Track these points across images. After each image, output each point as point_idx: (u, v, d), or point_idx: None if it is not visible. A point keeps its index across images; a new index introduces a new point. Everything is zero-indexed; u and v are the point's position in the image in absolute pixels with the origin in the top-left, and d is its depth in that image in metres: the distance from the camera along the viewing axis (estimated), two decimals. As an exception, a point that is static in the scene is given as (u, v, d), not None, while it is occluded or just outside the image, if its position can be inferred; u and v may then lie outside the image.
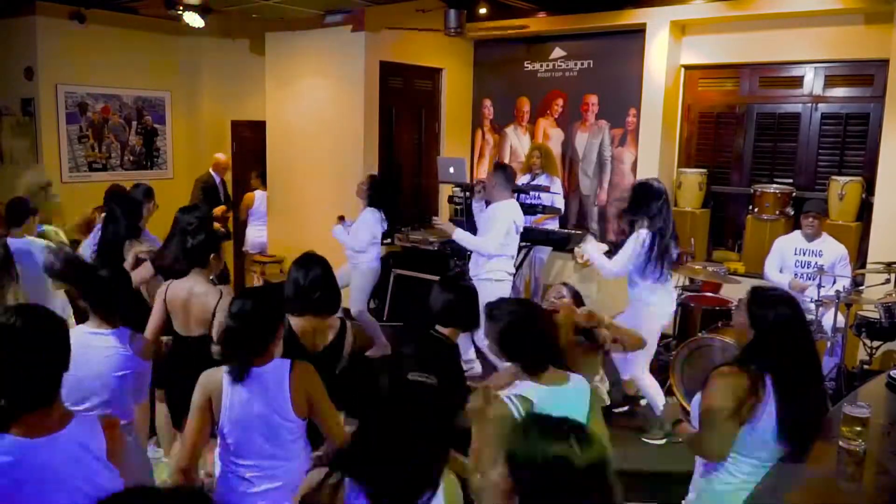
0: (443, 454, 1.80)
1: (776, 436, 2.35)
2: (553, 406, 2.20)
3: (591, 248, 4.65)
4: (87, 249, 4.63)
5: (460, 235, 5.16)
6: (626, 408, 4.85)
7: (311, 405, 2.45)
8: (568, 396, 2.35)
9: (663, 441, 4.44)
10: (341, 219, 5.89)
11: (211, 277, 3.50)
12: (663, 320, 4.55)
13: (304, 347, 2.99)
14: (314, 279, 3.00)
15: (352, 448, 1.77)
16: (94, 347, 2.71)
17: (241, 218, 7.94)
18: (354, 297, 5.82)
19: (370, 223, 5.69)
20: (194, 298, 3.33)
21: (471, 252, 5.31)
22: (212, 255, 3.44)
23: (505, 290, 5.03)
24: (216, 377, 2.42)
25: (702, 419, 2.45)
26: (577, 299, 3.30)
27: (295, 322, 2.97)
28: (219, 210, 7.42)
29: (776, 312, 2.45)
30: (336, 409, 2.55)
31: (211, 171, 7.61)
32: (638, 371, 4.44)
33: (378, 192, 5.74)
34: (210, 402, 2.42)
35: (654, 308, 4.42)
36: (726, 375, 2.42)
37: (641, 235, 4.32)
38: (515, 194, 5.52)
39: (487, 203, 5.28)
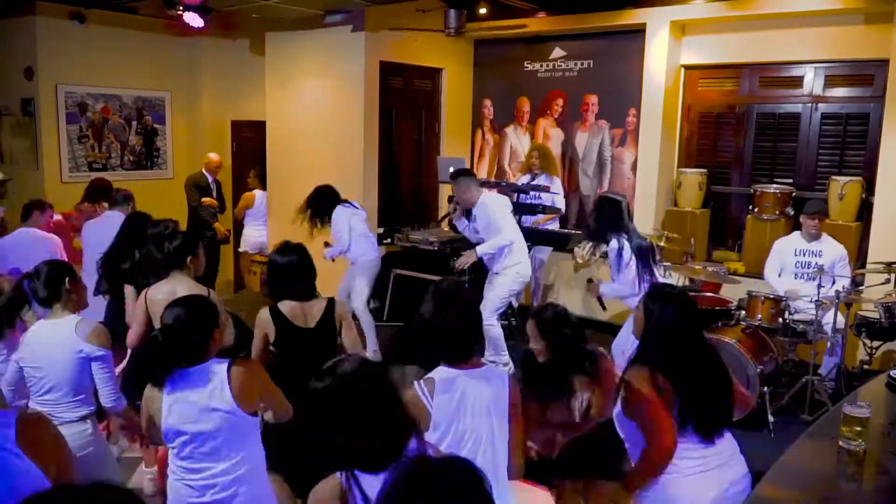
0: (395, 429, 1.85)
1: (681, 428, 2.46)
2: (454, 386, 2.34)
3: (607, 290, 4.60)
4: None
5: (482, 249, 5.23)
6: None
7: (258, 396, 2.52)
8: (472, 379, 2.37)
9: None
10: (326, 245, 5.90)
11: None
12: None
13: (297, 328, 3.24)
14: (288, 265, 3.27)
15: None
16: (51, 337, 2.89)
17: (238, 217, 7.92)
18: (356, 292, 5.82)
19: (339, 220, 5.67)
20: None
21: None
22: (189, 258, 3.48)
23: (523, 278, 5.39)
24: (154, 401, 2.45)
25: (646, 423, 2.50)
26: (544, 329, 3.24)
27: (283, 306, 3.23)
28: (207, 200, 7.42)
29: (662, 310, 2.58)
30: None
31: (203, 170, 7.61)
32: None
33: (320, 200, 5.70)
34: (152, 422, 2.48)
35: None
36: (642, 378, 2.51)
37: (612, 246, 4.43)
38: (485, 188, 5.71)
39: (468, 213, 5.36)
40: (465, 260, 5.37)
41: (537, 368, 3.16)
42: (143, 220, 4.25)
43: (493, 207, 5.24)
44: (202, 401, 2.39)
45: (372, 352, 5.76)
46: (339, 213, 5.66)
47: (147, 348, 2.50)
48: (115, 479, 3.04)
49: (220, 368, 2.43)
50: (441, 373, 2.39)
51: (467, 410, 2.35)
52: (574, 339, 3.18)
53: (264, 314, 3.26)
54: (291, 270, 3.26)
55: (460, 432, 2.34)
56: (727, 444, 2.54)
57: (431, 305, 2.43)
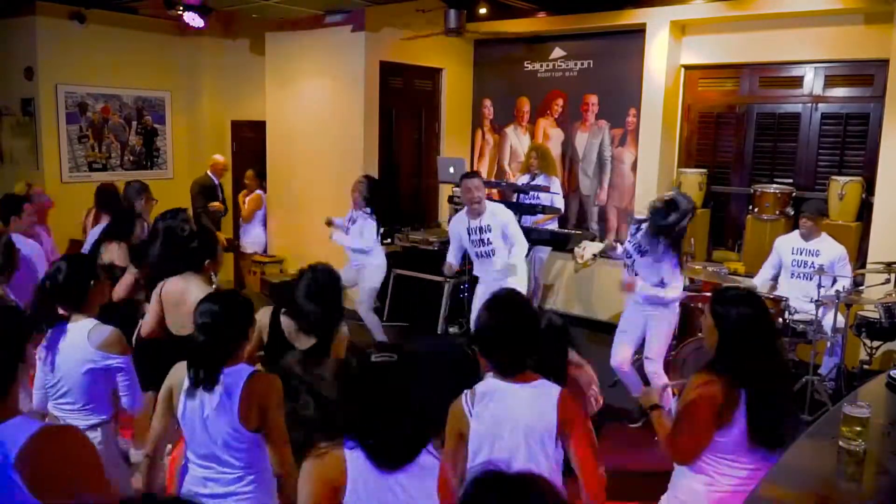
0: (419, 421, 1.91)
1: (748, 440, 2.36)
2: (502, 400, 2.26)
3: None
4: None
5: (508, 261, 5.06)
6: (639, 423, 4.75)
7: (263, 418, 2.37)
8: (523, 395, 2.27)
9: (640, 423, 4.53)
10: (330, 223, 5.89)
11: (214, 280, 3.52)
12: None
13: (289, 345, 3.07)
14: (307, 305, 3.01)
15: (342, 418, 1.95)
16: (64, 343, 2.79)
17: (246, 220, 7.89)
18: (364, 297, 5.83)
19: (372, 224, 5.71)
20: (190, 298, 3.27)
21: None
22: (207, 262, 3.46)
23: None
24: (181, 372, 2.44)
25: (677, 421, 2.45)
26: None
27: (284, 319, 3.06)
28: (214, 205, 7.42)
29: (738, 311, 2.44)
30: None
31: (209, 172, 7.60)
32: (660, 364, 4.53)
33: (375, 193, 5.76)
34: (171, 393, 2.45)
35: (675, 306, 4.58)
36: (703, 384, 2.40)
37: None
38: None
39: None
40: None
41: None
42: (128, 217, 4.25)
43: (507, 215, 5.16)
44: (210, 404, 2.35)
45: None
46: (373, 217, 5.73)
47: (186, 351, 2.42)
48: (125, 488, 3.02)
49: (240, 376, 2.36)
50: (487, 383, 2.32)
51: (507, 426, 2.25)
52: (563, 352, 2.95)
53: (264, 317, 3.14)
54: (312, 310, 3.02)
55: (497, 448, 2.25)
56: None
57: (486, 313, 2.35)
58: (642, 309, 4.54)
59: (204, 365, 2.35)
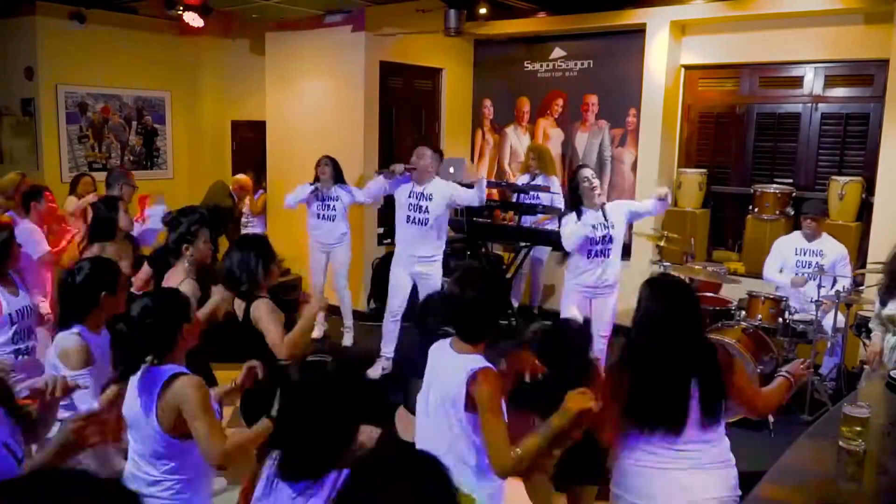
0: (345, 434, 1.86)
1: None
2: (439, 360, 2.43)
3: None
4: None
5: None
6: None
7: (185, 425, 2.27)
8: (451, 361, 2.37)
9: None
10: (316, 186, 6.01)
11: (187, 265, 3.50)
12: None
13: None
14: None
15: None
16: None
17: (259, 213, 7.84)
18: (344, 273, 6.12)
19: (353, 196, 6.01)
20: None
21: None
22: (184, 246, 3.47)
23: None
24: None
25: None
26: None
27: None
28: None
29: (651, 300, 2.55)
30: None
31: (232, 190, 7.36)
32: None
33: (340, 170, 6.03)
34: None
35: None
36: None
37: None
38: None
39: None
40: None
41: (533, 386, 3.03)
42: (112, 204, 4.26)
43: (453, 188, 5.28)
44: (136, 400, 2.32)
45: (347, 331, 6.19)
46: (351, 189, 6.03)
47: (114, 341, 2.41)
48: (118, 469, 3.02)
49: (161, 377, 2.30)
50: (442, 342, 2.45)
51: (435, 383, 2.42)
52: (585, 354, 3.01)
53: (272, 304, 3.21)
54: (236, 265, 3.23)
55: (427, 400, 2.43)
56: (703, 449, 2.41)
57: (453, 285, 2.43)
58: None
59: (125, 358, 2.34)
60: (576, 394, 2.24)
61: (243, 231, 7.93)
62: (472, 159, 8.20)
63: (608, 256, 4.73)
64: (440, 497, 1.34)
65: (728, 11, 6.10)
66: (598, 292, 4.77)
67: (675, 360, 2.41)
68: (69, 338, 2.78)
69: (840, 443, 2.25)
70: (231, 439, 2.30)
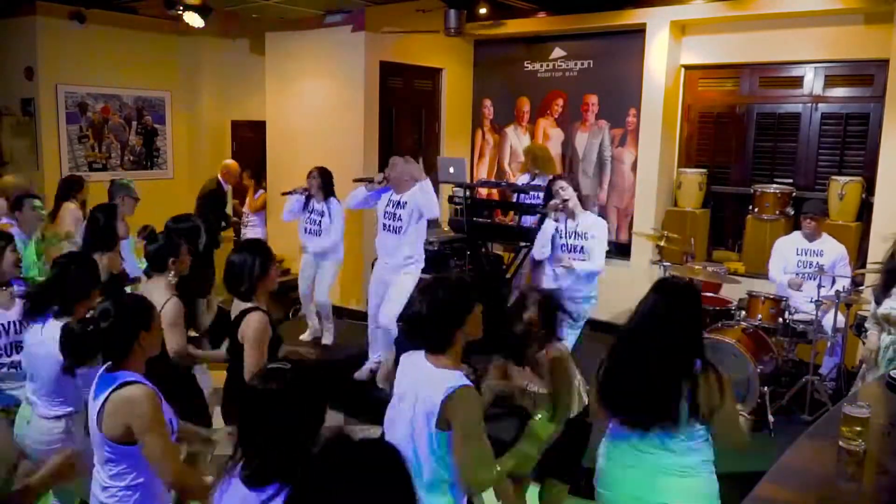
0: (306, 440, 1.79)
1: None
2: (406, 371, 2.39)
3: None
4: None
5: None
6: None
7: (132, 434, 2.22)
8: (428, 372, 2.30)
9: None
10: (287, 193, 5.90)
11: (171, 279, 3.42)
12: None
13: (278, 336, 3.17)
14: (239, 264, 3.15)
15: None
16: (42, 335, 2.88)
17: (257, 210, 7.85)
18: (329, 284, 5.94)
19: (341, 213, 5.76)
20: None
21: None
22: (171, 260, 3.38)
23: None
24: None
25: None
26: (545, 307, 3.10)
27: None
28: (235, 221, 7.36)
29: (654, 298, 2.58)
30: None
31: (219, 177, 7.35)
32: None
33: (331, 182, 5.79)
34: None
35: None
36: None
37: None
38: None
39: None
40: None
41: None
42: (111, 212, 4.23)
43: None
44: (92, 413, 2.27)
45: (331, 343, 6.04)
46: (340, 206, 5.74)
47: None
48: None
49: (109, 384, 2.24)
50: (413, 353, 2.40)
51: (408, 394, 2.34)
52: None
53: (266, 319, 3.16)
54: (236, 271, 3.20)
55: (398, 409, 2.37)
56: (662, 451, 2.44)
57: (419, 295, 2.40)
58: None
59: (73, 354, 2.33)
60: (540, 422, 2.30)
61: (244, 230, 7.95)
62: (472, 159, 8.20)
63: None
64: (398, 488, 1.35)
65: (728, 11, 6.10)
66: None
67: (672, 359, 2.41)
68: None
69: (840, 443, 2.25)
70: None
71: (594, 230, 4.73)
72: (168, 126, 8.39)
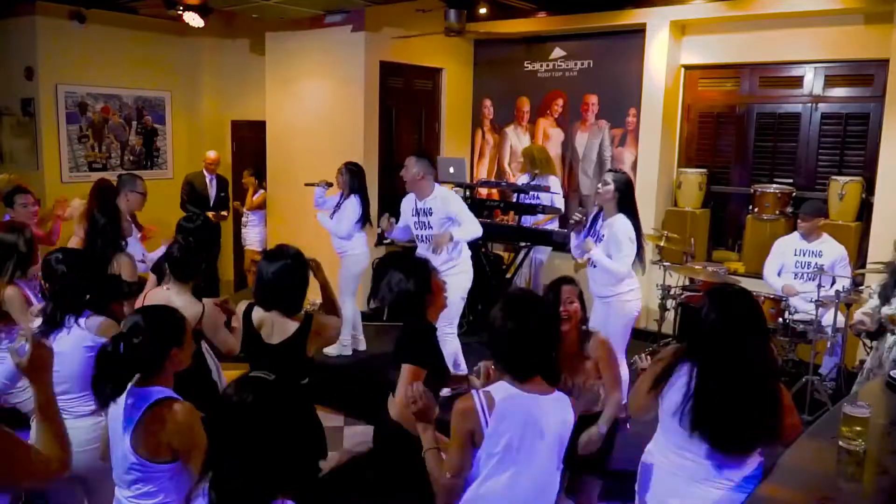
0: (290, 456, 1.68)
1: (687, 422, 2.35)
2: (521, 410, 2.16)
3: (602, 259, 4.44)
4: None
5: (459, 234, 4.90)
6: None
7: (171, 451, 2.16)
8: (542, 405, 2.19)
9: None
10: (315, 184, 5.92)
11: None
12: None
13: (259, 338, 3.06)
14: (278, 273, 3.00)
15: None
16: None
17: (249, 208, 7.85)
18: (344, 286, 5.81)
19: (356, 210, 5.74)
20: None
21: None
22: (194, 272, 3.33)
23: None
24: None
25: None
26: (581, 299, 3.20)
27: (256, 311, 3.07)
28: (211, 216, 7.35)
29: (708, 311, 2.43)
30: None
31: (203, 170, 7.50)
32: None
33: (359, 179, 5.80)
34: None
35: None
36: (671, 347, 2.59)
37: (623, 226, 4.32)
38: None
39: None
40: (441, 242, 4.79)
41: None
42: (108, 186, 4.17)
43: (454, 199, 4.97)
44: (118, 429, 2.19)
45: (342, 346, 5.87)
46: (357, 203, 5.74)
47: (98, 360, 2.20)
48: None
49: (144, 402, 2.17)
50: (503, 388, 2.20)
51: (525, 443, 2.15)
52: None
53: (240, 309, 3.15)
54: (282, 281, 3.02)
55: (520, 458, 2.17)
56: (728, 473, 2.38)
57: (501, 314, 2.22)
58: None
59: (111, 379, 2.15)
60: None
61: (244, 229, 7.95)
62: (472, 159, 8.20)
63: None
64: None
65: (728, 11, 6.10)
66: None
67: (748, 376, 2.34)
68: (97, 317, 2.80)
69: (840, 443, 2.25)
70: None
71: (611, 227, 4.48)
72: (168, 126, 8.39)
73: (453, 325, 4.94)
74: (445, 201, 4.89)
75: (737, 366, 2.32)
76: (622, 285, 4.40)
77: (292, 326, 3.03)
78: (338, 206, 5.86)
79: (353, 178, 5.79)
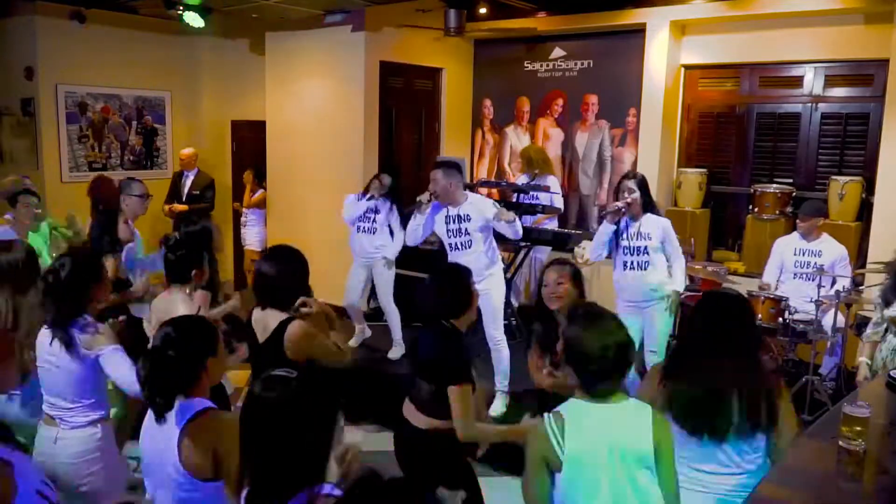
0: (317, 446, 1.70)
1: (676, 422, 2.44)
2: (596, 421, 2.14)
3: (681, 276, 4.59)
4: None
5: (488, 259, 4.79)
6: None
7: (215, 466, 2.10)
8: (618, 414, 2.16)
9: None
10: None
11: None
12: None
13: (254, 337, 3.03)
14: (274, 272, 2.99)
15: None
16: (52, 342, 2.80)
17: (247, 207, 7.85)
18: (387, 290, 5.80)
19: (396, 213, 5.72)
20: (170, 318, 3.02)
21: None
22: (193, 272, 3.25)
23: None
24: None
25: None
26: (577, 280, 3.19)
27: (255, 311, 3.04)
28: (176, 208, 7.35)
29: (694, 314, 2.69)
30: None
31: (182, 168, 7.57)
32: None
33: (397, 185, 5.78)
34: None
35: None
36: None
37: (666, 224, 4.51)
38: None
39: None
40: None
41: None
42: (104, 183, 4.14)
43: (489, 204, 4.85)
44: (159, 439, 2.14)
45: (397, 345, 5.86)
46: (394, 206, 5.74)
47: (140, 377, 2.18)
48: (123, 481, 3.02)
49: (185, 414, 2.12)
50: (573, 405, 2.17)
51: (604, 455, 2.11)
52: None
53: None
54: (285, 280, 2.99)
55: (595, 477, 2.12)
56: (728, 461, 2.48)
57: (574, 327, 2.20)
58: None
59: (159, 393, 2.13)
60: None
61: (243, 229, 7.95)
62: (472, 159, 8.20)
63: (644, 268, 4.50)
64: None
65: (728, 11, 6.10)
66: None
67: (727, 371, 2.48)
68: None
69: (840, 443, 2.25)
70: None
71: (659, 231, 4.45)
72: (168, 126, 8.39)
73: (501, 330, 4.83)
74: (482, 207, 4.76)
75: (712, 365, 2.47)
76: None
77: (274, 326, 2.96)
78: (375, 210, 5.67)
79: (394, 182, 5.73)
